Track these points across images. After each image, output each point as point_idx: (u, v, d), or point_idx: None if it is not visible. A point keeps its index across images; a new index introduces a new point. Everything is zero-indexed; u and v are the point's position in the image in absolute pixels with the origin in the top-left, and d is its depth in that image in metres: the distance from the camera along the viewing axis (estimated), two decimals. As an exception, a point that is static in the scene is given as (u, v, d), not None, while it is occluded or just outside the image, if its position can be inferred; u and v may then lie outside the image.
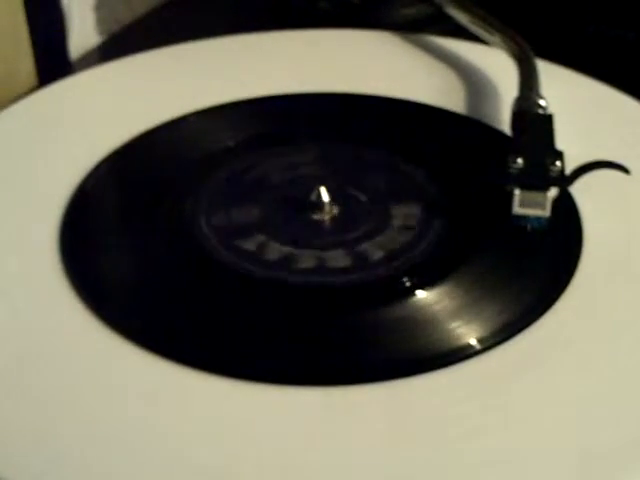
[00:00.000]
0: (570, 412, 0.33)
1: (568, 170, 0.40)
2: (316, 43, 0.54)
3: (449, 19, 0.53)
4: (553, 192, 0.39)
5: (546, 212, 0.39)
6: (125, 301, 0.39)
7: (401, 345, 0.36)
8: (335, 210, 0.42)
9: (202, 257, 0.40)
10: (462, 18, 0.52)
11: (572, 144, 0.42)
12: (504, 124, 0.45)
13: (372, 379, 0.34)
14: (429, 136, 0.47)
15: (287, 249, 0.40)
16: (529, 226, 0.40)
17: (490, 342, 0.36)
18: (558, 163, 0.40)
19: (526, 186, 0.39)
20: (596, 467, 0.32)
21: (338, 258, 0.39)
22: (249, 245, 0.40)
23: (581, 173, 0.40)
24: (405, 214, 0.42)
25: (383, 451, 0.32)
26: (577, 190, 0.41)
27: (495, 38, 0.50)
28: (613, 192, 0.42)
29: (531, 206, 0.39)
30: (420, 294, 0.37)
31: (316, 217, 0.41)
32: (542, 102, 0.44)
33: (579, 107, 0.47)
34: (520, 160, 0.40)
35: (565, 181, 0.40)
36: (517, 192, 0.39)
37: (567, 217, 0.41)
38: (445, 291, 0.38)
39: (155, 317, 0.37)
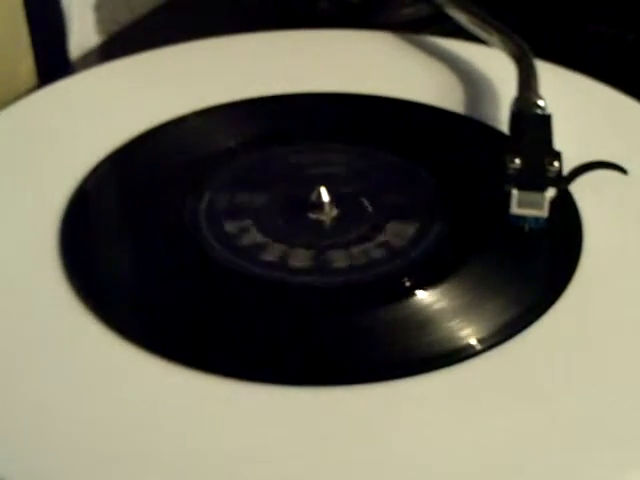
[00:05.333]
0: (570, 412, 0.33)
1: (566, 170, 0.40)
2: (316, 43, 0.54)
3: (449, 19, 0.53)
4: (551, 192, 0.39)
5: (544, 212, 0.39)
6: (125, 301, 0.39)
7: (401, 345, 0.36)
8: (335, 210, 0.42)
9: (202, 257, 0.40)
10: (461, 18, 0.52)
11: (570, 144, 0.42)
12: (503, 124, 0.46)
13: (372, 379, 0.34)
14: (428, 136, 0.47)
15: (287, 249, 0.40)
16: (527, 226, 0.40)
17: (490, 342, 0.36)
18: (556, 163, 0.40)
19: (524, 186, 0.39)
20: (596, 466, 0.32)
21: (338, 258, 0.39)
22: (249, 245, 0.40)
23: (579, 173, 0.40)
24: (405, 214, 0.42)
25: (383, 451, 0.32)
26: (577, 190, 0.41)
27: (494, 38, 0.50)
28: (614, 192, 0.42)
29: (529, 206, 0.39)
30: (420, 294, 0.37)
31: (316, 217, 0.42)
32: (541, 102, 0.44)
33: (578, 107, 0.47)
34: (518, 160, 0.40)
35: (563, 182, 0.40)
36: (515, 192, 0.39)
37: (567, 217, 0.41)
38: (445, 291, 0.38)
39: (155, 317, 0.38)
